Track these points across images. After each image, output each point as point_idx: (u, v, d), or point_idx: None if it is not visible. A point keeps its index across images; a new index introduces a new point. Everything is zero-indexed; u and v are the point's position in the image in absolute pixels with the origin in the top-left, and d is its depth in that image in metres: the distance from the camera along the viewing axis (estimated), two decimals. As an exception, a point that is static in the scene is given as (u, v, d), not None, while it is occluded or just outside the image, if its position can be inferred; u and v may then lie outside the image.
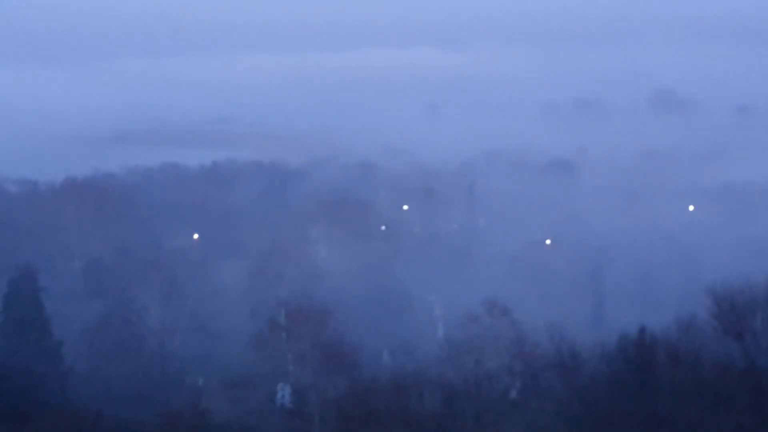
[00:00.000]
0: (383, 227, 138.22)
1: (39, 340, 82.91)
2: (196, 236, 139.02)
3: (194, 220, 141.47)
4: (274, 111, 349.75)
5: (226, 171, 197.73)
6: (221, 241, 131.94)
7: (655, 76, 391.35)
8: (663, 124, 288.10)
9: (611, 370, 65.37)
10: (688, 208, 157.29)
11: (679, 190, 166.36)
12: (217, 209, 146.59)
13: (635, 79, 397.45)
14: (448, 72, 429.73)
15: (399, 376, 69.71)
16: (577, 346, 68.76)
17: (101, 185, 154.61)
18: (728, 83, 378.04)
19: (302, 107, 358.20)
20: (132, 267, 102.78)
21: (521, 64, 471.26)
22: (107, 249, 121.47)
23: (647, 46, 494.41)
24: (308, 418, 75.28)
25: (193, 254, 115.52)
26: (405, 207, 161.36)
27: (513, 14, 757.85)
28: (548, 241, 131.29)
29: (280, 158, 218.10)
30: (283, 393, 79.55)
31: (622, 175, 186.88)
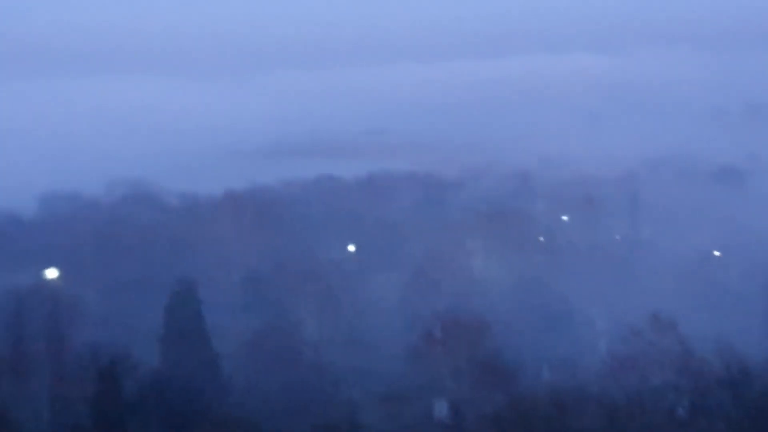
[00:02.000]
0: (541, 238, 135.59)
1: (199, 351, 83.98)
2: (351, 248, 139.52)
3: (350, 231, 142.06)
4: (429, 121, 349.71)
5: (381, 182, 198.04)
6: (377, 252, 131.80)
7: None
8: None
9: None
10: None
11: None
12: (372, 221, 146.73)
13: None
14: (607, 78, 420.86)
15: (559, 393, 68.34)
16: (747, 363, 66.40)
17: (258, 198, 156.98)
18: None
19: (458, 117, 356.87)
20: (289, 279, 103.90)
21: (685, 68, 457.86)
22: (264, 261, 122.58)
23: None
24: (466, 434, 74.24)
25: (348, 266, 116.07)
26: (564, 217, 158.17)
27: (675, 17, 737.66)
28: (717, 253, 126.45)
29: (435, 169, 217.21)
30: (440, 408, 78.84)
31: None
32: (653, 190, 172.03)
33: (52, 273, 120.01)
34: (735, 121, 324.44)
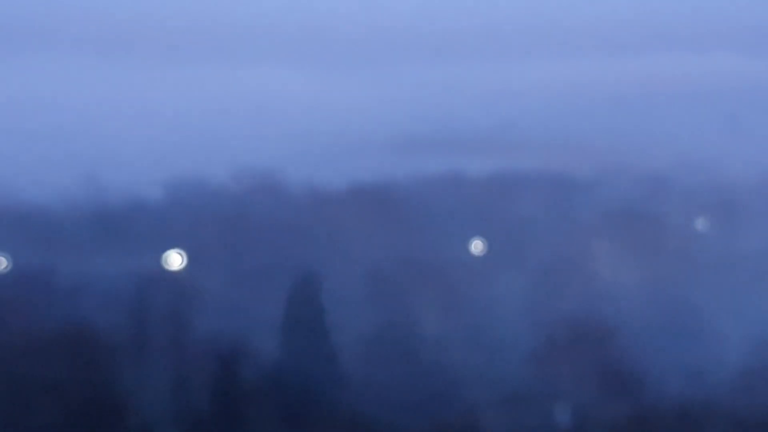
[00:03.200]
0: (675, 245, 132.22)
1: (319, 344, 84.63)
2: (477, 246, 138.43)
3: (475, 229, 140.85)
4: (561, 118, 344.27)
5: (509, 180, 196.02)
6: (502, 252, 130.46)
7: None
8: None
9: None
10: None
11: None
12: (498, 219, 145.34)
13: None
14: (751, 80, 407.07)
15: (687, 405, 67.32)
16: None
17: (384, 191, 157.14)
18: None
19: (590, 115, 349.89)
20: (411, 275, 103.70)
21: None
22: (387, 255, 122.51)
23: None
24: (587, 443, 73.22)
25: (472, 264, 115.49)
26: (700, 224, 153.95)
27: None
28: None
29: (566, 168, 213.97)
30: (561, 414, 77.74)
31: None
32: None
33: (176, 259, 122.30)
34: None
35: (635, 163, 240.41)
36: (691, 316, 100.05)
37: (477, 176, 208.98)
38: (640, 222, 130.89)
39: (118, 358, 75.91)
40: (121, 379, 75.59)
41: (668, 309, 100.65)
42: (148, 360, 78.72)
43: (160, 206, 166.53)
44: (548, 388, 78.86)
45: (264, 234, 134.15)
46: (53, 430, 68.82)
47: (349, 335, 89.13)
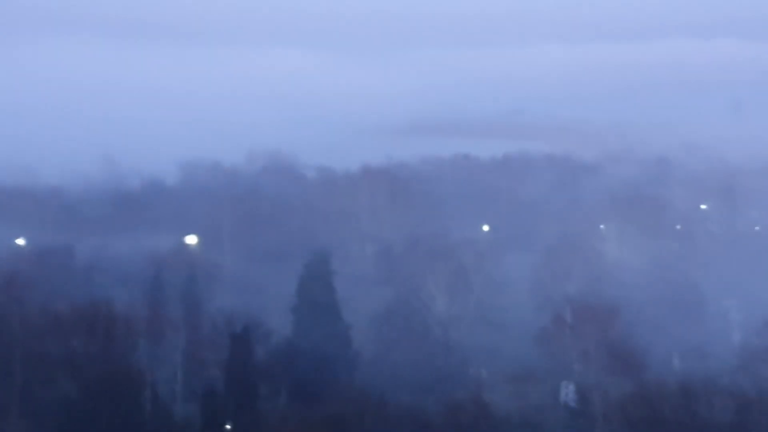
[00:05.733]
0: (678, 226, 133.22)
1: (330, 322, 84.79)
2: (485, 227, 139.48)
3: (484, 211, 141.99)
4: (568, 103, 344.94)
5: (517, 163, 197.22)
6: (510, 233, 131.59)
7: None
8: None
9: None
10: None
11: None
12: (507, 201, 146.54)
13: None
14: (753, 65, 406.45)
15: (689, 382, 67.28)
16: None
17: (394, 174, 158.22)
18: None
19: (598, 99, 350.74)
20: (421, 255, 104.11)
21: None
22: (398, 236, 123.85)
23: None
24: (591, 418, 73.57)
25: (481, 245, 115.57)
26: (702, 206, 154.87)
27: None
28: None
29: (572, 151, 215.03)
30: (567, 391, 78.26)
31: None
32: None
33: (191, 239, 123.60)
34: None
35: (640, 147, 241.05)
36: (694, 296, 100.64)
37: (485, 159, 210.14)
38: (644, 204, 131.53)
39: (134, 334, 76.36)
40: (137, 355, 76.36)
41: (671, 288, 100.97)
42: (163, 336, 78.93)
43: (175, 186, 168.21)
44: (554, 365, 79.37)
45: (277, 214, 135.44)
46: (70, 403, 69.84)
47: (359, 313, 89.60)
